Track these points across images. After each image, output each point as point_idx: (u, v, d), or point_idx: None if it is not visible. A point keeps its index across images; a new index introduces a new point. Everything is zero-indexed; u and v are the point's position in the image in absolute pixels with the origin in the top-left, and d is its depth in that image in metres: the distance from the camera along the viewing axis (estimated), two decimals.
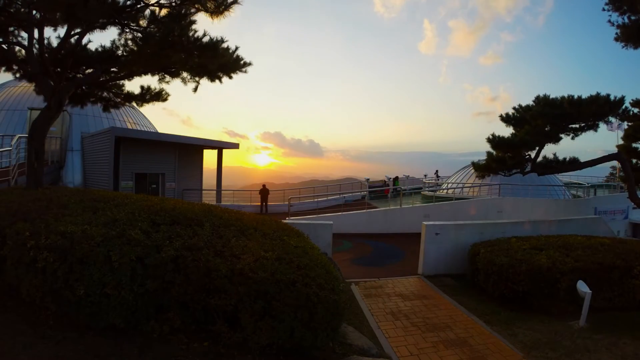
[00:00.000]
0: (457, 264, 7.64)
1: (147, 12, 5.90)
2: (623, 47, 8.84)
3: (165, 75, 7.02)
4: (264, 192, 17.39)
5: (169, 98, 8.19)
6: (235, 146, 19.58)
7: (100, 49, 6.80)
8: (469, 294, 6.50)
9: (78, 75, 7.25)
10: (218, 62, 6.32)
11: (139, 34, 6.05)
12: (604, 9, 8.50)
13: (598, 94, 9.82)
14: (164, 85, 7.61)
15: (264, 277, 3.05)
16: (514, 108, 11.70)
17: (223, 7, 5.63)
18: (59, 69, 6.52)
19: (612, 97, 9.86)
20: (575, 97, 9.88)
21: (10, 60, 6.45)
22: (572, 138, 10.98)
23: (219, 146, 19.07)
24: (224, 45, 6.22)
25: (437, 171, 27.38)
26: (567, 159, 10.99)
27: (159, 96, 8.04)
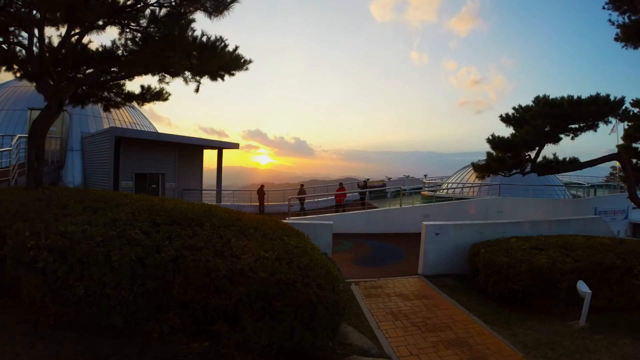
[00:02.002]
0: (457, 264, 7.64)
1: (147, 12, 5.90)
2: (623, 47, 8.85)
3: (166, 75, 7.02)
4: (261, 192, 17.53)
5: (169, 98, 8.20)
6: (235, 146, 19.65)
7: (100, 49, 6.80)
8: (469, 294, 6.50)
9: (78, 75, 7.25)
10: (217, 62, 6.32)
11: (139, 34, 6.05)
12: (604, 8, 8.51)
13: (598, 94, 9.82)
14: (163, 85, 7.62)
15: (264, 277, 3.04)
16: (514, 108, 11.74)
17: (222, 6, 5.62)
18: (59, 69, 6.52)
19: (612, 97, 9.86)
20: (575, 97, 9.89)
21: (11, 60, 6.45)
22: (572, 138, 10.98)
23: (219, 146, 19.13)
24: (223, 44, 6.23)
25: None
26: (567, 159, 10.98)
27: (159, 96, 8.05)
